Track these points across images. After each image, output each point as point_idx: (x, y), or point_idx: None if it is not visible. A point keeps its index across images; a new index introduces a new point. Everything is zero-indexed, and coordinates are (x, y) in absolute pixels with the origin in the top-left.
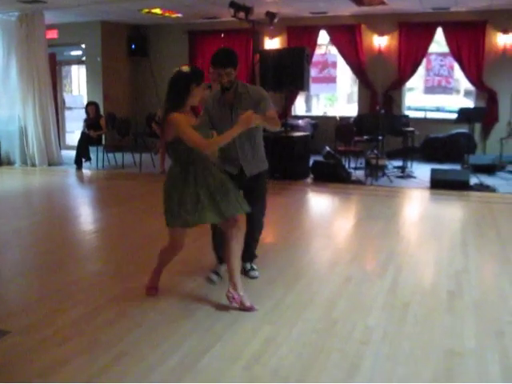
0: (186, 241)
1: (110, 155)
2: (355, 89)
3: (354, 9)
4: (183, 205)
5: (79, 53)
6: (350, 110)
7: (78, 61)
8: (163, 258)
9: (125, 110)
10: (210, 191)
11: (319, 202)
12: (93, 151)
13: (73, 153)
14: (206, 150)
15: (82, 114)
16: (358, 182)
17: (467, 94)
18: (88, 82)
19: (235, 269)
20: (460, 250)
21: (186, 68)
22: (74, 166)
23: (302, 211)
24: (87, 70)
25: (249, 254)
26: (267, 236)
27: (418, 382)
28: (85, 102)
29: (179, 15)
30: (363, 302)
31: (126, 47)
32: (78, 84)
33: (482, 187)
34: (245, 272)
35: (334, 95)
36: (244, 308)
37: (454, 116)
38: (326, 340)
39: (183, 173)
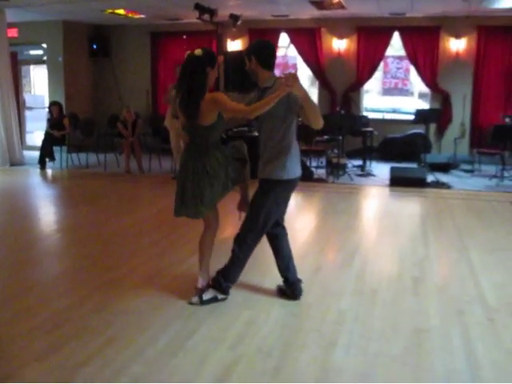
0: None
1: (74, 155)
2: (313, 90)
3: (315, 12)
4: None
5: (39, 52)
6: None
7: (37, 60)
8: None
9: (87, 111)
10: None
11: None
12: (56, 151)
13: (33, 153)
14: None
15: (43, 114)
16: (321, 180)
17: (421, 96)
18: (49, 81)
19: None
20: (421, 240)
21: (198, 51)
22: (38, 166)
23: None
24: (48, 70)
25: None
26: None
27: (390, 356)
28: (46, 102)
29: (142, 16)
30: (334, 289)
31: (87, 47)
32: (36, 84)
33: (438, 184)
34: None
35: None
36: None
37: (410, 117)
38: (304, 322)
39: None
